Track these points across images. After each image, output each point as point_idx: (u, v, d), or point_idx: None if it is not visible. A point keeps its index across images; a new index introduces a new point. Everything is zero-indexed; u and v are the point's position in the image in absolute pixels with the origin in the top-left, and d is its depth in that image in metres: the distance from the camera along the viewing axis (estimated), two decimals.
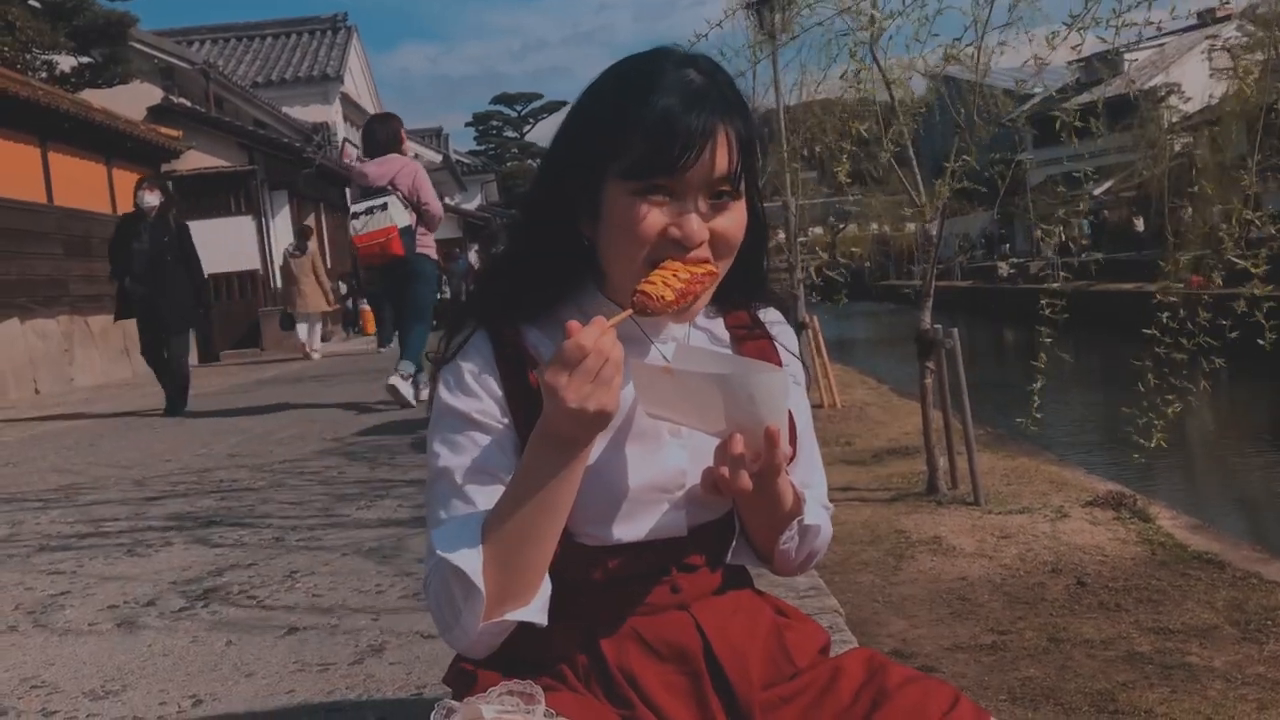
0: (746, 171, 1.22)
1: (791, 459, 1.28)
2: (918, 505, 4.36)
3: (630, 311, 1.14)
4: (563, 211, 1.23)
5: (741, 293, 1.29)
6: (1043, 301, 3.96)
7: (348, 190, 25.96)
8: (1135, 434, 3.90)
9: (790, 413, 1.31)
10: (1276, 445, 9.58)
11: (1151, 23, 3.68)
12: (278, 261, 19.26)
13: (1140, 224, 25.36)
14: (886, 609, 3.17)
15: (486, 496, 1.21)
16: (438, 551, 1.18)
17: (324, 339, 18.43)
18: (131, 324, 9.77)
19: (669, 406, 1.17)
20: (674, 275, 1.16)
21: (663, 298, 1.14)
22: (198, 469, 6.10)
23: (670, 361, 1.17)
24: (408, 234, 6.86)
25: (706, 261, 1.18)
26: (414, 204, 6.47)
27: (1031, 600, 3.14)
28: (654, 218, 1.17)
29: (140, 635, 3.01)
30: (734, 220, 1.21)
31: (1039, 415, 3.96)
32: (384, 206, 6.39)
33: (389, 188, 6.49)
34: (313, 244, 17.29)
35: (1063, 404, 11.90)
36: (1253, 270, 3.66)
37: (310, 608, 3.15)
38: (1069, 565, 3.44)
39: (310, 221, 22.25)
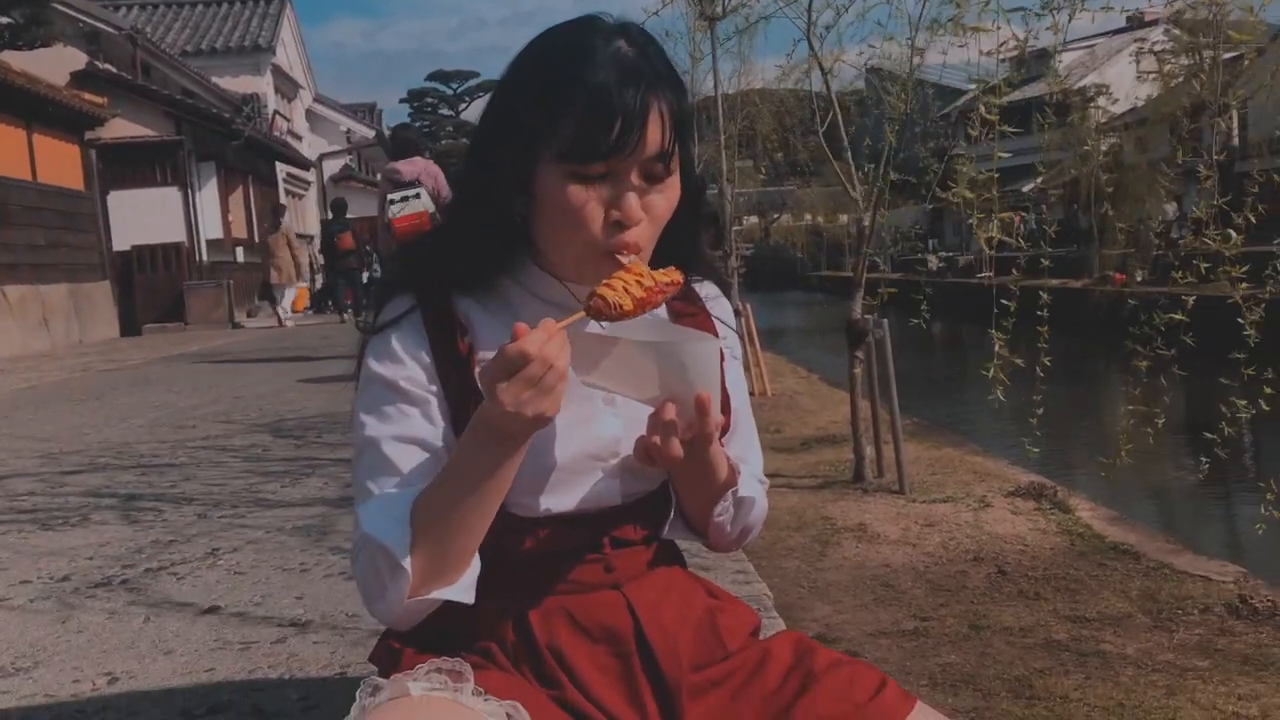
0: (680, 144, 1.20)
1: (725, 430, 1.28)
2: (844, 493, 4.41)
3: (582, 314, 1.12)
4: (495, 188, 1.21)
5: (678, 263, 1.28)
6: (1002, 300, 3.94)
7: (277, 163, 25.60)
8: (1100, 455, 3.96)
9: (725, 385, 1.31)
10: (1193, 438, 9.88)
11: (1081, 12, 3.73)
12: (205, 234, 19.00)
13: (1084, 220, 25.92)
14: (811, 594, 3.20)
15: (414, 467, 1.19)
16: (364, 529, 1.16)
17: (250, 315, 18.48)
18: (48, 292, 9.53)
19: (603, 374, 1.16)
20: (637, 282, 1.13)
21: (620, 305, 1.12)
22: (117, 443, 5.96)
23: (605, 328, 1.16)
24: (434, 218, 7.73)
25: (673, 271, 1.17)
26: (434, 196, 7.59)
27: (953, 588, 3.19)
28: (591, 200, 1.15)
29: (54, 611, 2.94)
30: (668, 197, 1.20)
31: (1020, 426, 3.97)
32: (417, 195, 7.42)
33: (416, 182, 7.55)
34: (286, 220, 18.85)
35: (990, 395, 12.12)
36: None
37: (232, 586, 3.10)
38: (990, 554, 3.50)
39: (239, 195, 21.86)
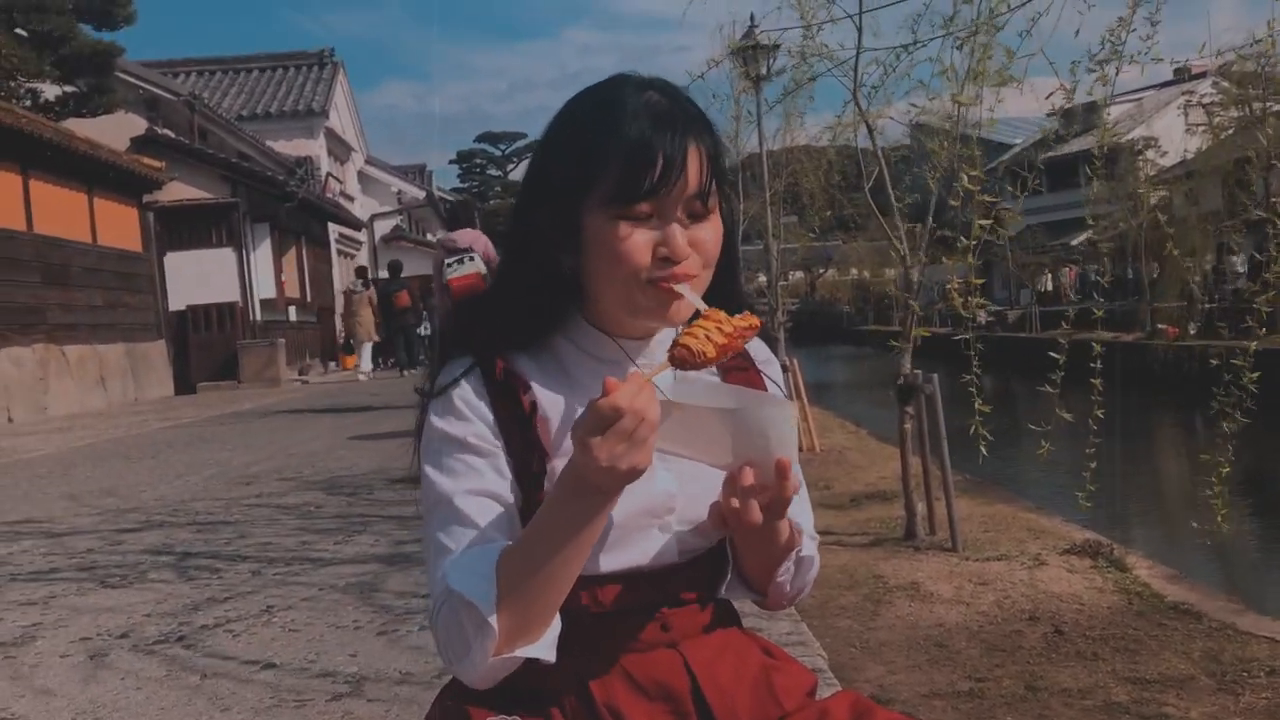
0: (718, 185, 1.24)
1: (798, 488, 1.28)
2: (896, 550, 4.37)
3: (668, 365, 1.13)
4: (541, 243, 1.24)
5: (726, 299, 1.30)
6: (1053, 354, 3.88)
7: (330, 224, 26.05)
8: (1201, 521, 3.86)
9: None
10: (1252, 494, 9.67)
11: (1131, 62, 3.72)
12: (258, 294, 19.38)
13: (1135, 272, 25.62)
14: (864, 654, 3.17)
15: (490, 521, 1.20)
16: (450, 584, 1.16)
17: (303, 373, 19.00)
18: (106, 352, 9.79)
19: (673, 440, 1.15)
20: (718, 329, 1.14)
21: (704, 353, 1.12)
22: (173, 501, 6.05)
23: (670, 394, 1.16)
24: (486, 279, 8.30)
25: (749, 316, 1.18)
26: (486, 261, 8.28)
27: (1009, 648, 3.14)
28: (639, 238, 1.18)
29: (113, 669, 2.97)
30: (712, 233, 1.23)
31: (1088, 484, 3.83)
32: (471, 259, 8.09)
33: (470, 248, 8.31)
34: (371, 285, 20.74)
35: (1040, 449, 11.95)
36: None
37: (287, 643, 3.13)
38: (1046, 613, 3.45)
39: (292, 255, 22.25)
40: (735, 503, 1.15)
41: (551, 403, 1.26)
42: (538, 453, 1.22)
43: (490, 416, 1.24)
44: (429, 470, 1.24)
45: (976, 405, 3.72)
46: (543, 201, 1.24)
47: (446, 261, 8.30)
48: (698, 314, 1.18)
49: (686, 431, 1.14)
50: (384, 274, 23.74)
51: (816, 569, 1.38)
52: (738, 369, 1.37)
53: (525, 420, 1.24)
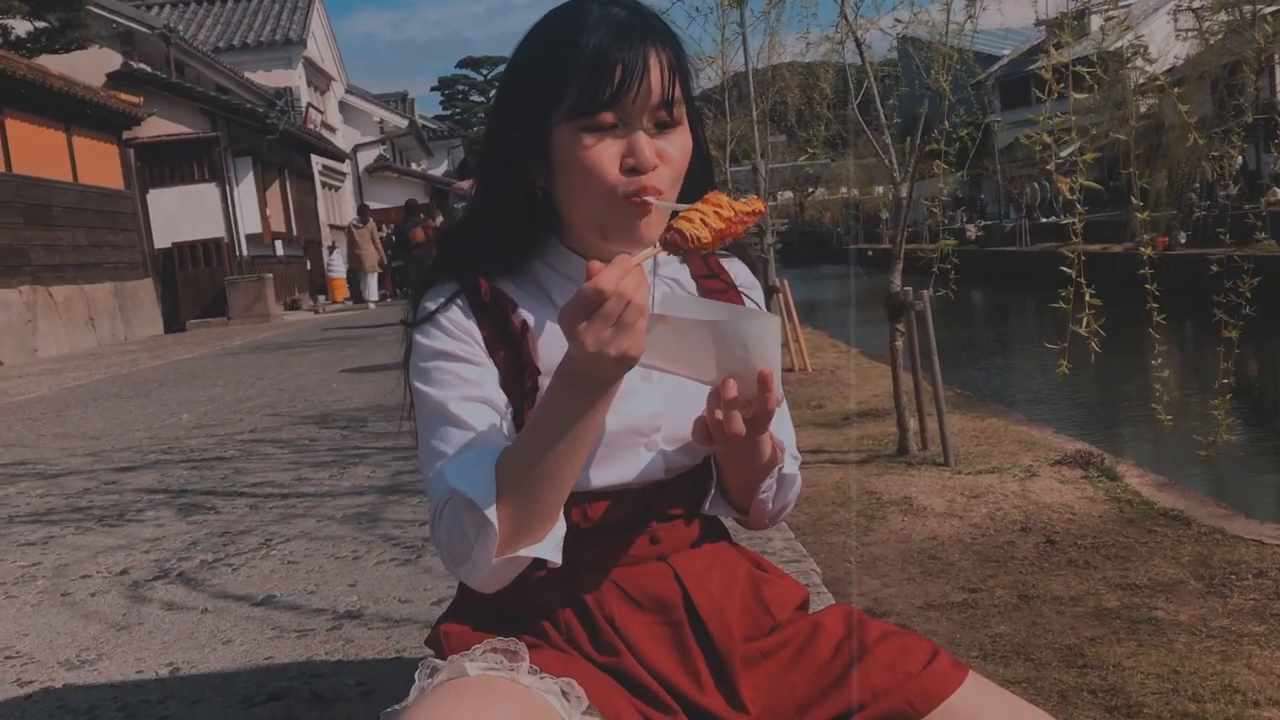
0: (684, 98, 1.23)
1: (780, 401, 1.28)
2: (888, 467, 4.40)
3: (658, 249, 1.12)
4: (515, 165, 1.24)
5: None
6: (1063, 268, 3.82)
7: (312, 156, 25.79)
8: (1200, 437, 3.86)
9: None
10: (1241, 401, 9.75)
11: None
12: (243, 229, 19.29)
13: (1124, 181, 25.46)
14: (859, 569, 3.21)
15: (487, 425, 1.20)
16: (450, 484, 1.16)
17: (291, 307, 19.35)
18: (93, 292, 9.74)
19: (659, 354, 1.14)
20: (715, 213, 1.11)
21: (698, 238, 1.10)
22: (168, 439, 6.06)
23: (664, 303, 1.15)
24: None
25: (755, 200, 1.16)
26: None
27: (1001, 559, 3.18)
28: (605, 149, 1.18)
29: (114, 605, 3.00)
30: (679, 145, 1.23)
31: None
32: None
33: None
34: (370, 219, 22.50)
35: (1033, 363, 12.03)
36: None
37: (286, 575, 3.15)
38: (1038, 524, 3.49)
39: (275, 189, 22.06)
40: (719, 415, 1.15)
41: (536, 323, 1.26)
42: (529, 369, 1.23)
43: (479, 335, 1.25)
44: (419, 385, 1.24)
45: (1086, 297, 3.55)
46: (511, 120, 1.24)
47: (455, 206, 8.21)
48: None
49: (671, 345, 1.13)
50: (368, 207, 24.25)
51: (799, 487, 1.39)
52: (718, 291, 1.37)
53: (515, 338, 1.24)
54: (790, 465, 1.35)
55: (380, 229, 23.25)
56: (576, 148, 1.18)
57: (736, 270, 1.43)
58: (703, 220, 1.10)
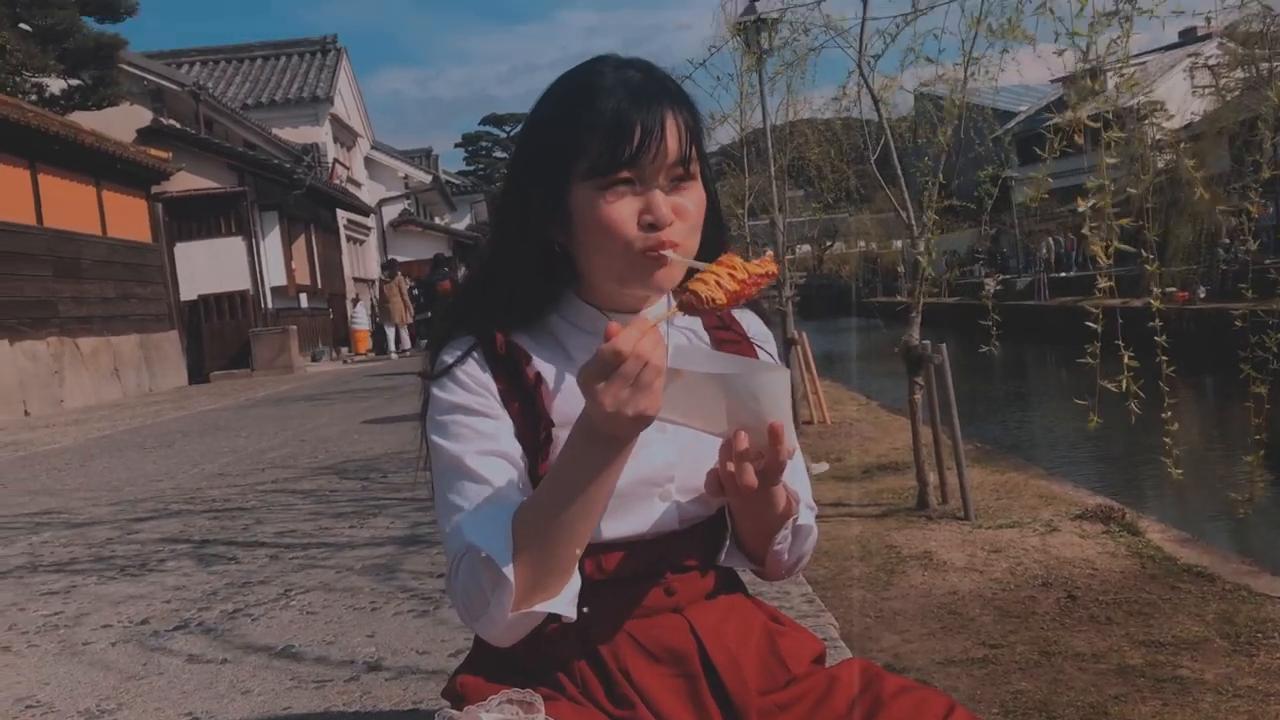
0: (699, 155, 1.27)
1: (792, 453, 1.29)
2: (908, 520, 4.38)
3: (675, 311, 1.14)
4: (532, 223, 1.27)
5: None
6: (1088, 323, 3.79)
7: (338, 210, 26.09)
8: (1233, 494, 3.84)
9: None
10: (1266, 456, 9.65)
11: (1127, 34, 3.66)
12: (269, 282, 19.49)
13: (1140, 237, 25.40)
14: (878, 623, 3.19)
15: (504, 479, 1.22)
16: (466, 539, 1.18)
17: (315, 359, 19.51)
18: (119, 343, 9.86)
19: (671, 407, 1.14)
20: (730, 275, 1.13)
21: (713, 300, 1.11)
22: (190, 489, 6.09)
23: (676, 356, 1.16)
24: None
25: (767, 261, 1.18)
26: None
27: (1022, 614, 3.16)
28: (624, 206, 1.21)
29: (135, 654, 3.01)
30: (694, 199, 1.26)
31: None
32: None
33: None
34: (399, 274, 23.85)
35: (1053, 417, 11.95)
36: None
37: (305, 626, 3.16)
38: (1059, 579, 3.46)
39: (301, 242, 22.30)
40: (731, 467, 1.16)
41: (551, 375, 1.28)
42: (543, 422, 1.24)
43: (494, 388, 1.27)
44: (437, 439, 1.26)
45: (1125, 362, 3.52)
46: (529, 178, 1.27)
47: None
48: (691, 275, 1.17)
49: (683, 398, 1.14)
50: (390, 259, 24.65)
51: (815, 539, 1.39)
52: (730, 342, 1.39)
53: (530, 391, 1.26)
54: (805, 516, 1.35)
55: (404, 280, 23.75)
56: (596, 206, 1.21)
57: (749, 322, 1.45)
58: (717, 282, 1.12)
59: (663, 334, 1.10)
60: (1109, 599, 3.23)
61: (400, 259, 27.08)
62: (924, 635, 3.04)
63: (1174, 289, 19.35)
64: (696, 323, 1.39)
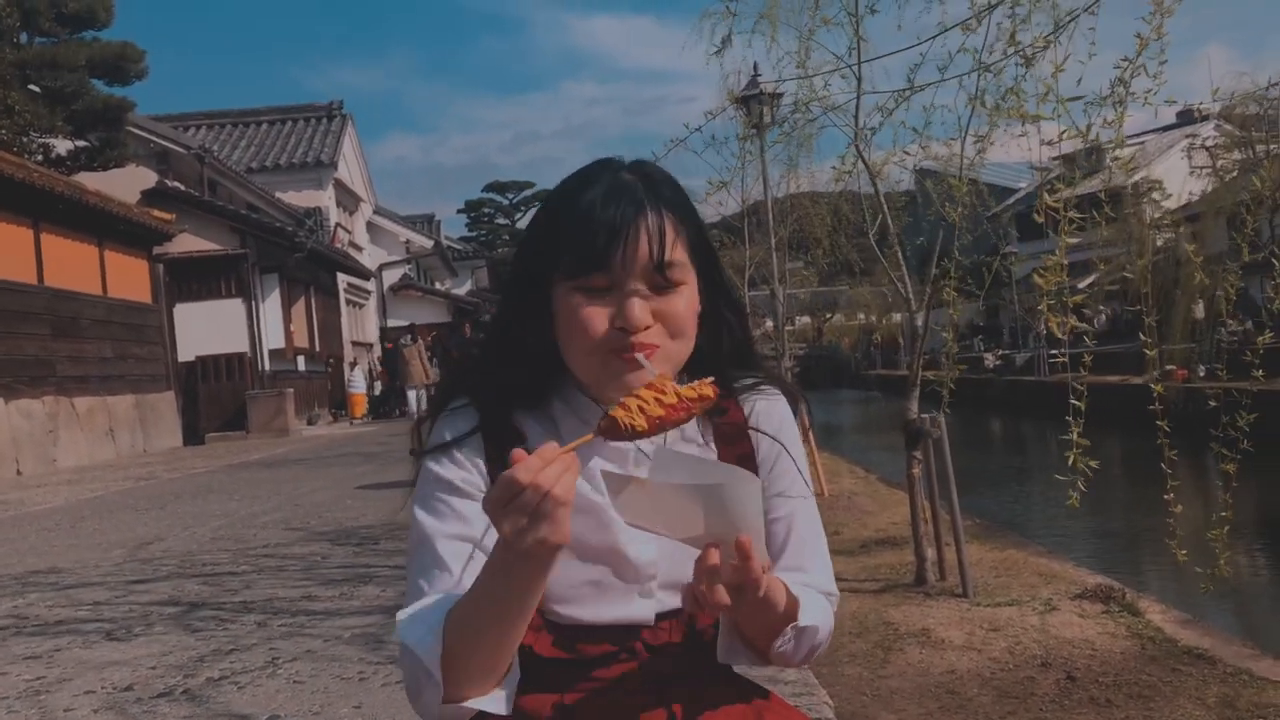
0: (697, 256, 1.26)
1: (767, 568, 1.20)
2: (906, 596, 4.33)
3: (591, 436, 1.11)
4: (527, 317, 1.28)
5: (728, 363, 1.31)
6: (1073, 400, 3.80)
7: (339, 274, 26.23)
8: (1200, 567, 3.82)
9: (781, 498, 1.31)
10: (1263, 538, 9.59)
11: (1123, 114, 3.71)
12: (267, 344, 19.51)
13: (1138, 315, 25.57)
14: (874, 702, 3.13)
15: (466, 567, 1.21)
16: (399, 634, 1.19)
17: (310, 423, 19.37)
18: (115, 403, 9.82)
19: (645, 516, 1.12)
20: (656, 400, 1.10)
21: (632, 425, 1.09)
22: (180, 552, 6.03)
23: (650, 464, 1.13)
24: None
25: (704, 385, 1.14)
26: None
27: (1021, 695, 3.11)
28: (596, 309, 1.20)
29: None
30: (680, 302, 1.23)
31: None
32: None
33: None
34: (419, 339, 25.00)
35: (1052, 493, 11.89)
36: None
37: (292, 695, 3.10)
38: (1059, 659, 3.41)
39: (301, 305, 22.38)
40: (703, 585, 1.10)
41: None
42: None
43: (484, 467, 1.25)
44: (417, 510, 1.27)
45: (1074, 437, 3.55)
46: (522, 275, 1.29)
47: None
48: None
49: (649, 507, 1.10)
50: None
51: (827, 631, 1.31)
52: (728, 434, 1.34)
53: None
54: (810, 614, 1.26)
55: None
56: (571, 308, 1.22)
57: (766, 409, 1.37)
58: (640, 408, 1.10)
59: (579, 460, 1.07)
60: (1109, 680, 3.19)
61: (397, 323, 27.49)
62: (921, 715, 2.99)
63: (1173, 368, 19.41)
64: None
